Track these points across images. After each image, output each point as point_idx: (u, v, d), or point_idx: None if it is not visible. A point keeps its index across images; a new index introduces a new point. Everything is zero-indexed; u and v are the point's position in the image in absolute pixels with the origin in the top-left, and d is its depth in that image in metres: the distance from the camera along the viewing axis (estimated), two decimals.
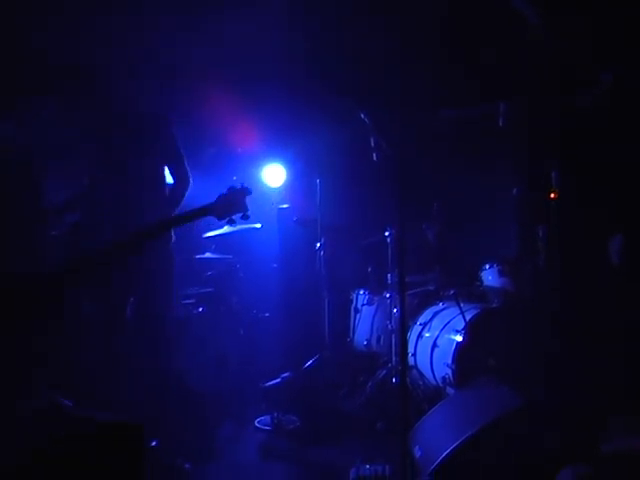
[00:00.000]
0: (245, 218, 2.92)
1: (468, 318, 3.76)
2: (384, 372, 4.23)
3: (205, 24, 4.35)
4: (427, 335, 4.13)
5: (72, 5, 3.69)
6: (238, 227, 4.74)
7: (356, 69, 4.57)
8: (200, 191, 3.31)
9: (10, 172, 3.54)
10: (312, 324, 4.76)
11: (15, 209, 3.49)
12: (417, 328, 4.25)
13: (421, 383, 4.05)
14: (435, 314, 4.23)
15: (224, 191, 2.90)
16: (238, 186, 2.88)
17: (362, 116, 2.74)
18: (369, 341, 4.70)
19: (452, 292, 4.19)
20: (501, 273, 4.24)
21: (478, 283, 4.40)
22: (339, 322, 4.91)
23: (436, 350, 3.94)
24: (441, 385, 3.80)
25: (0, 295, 2.33)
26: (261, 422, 4.01)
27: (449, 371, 3.71)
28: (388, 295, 4.41)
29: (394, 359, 4.13)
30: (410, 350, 4.18)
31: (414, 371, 4.10)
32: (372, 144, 3.35)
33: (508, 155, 4.59)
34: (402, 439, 2.63)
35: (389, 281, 4.40)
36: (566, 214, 3.89)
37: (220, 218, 2.90)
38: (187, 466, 3.20)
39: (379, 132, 2.84)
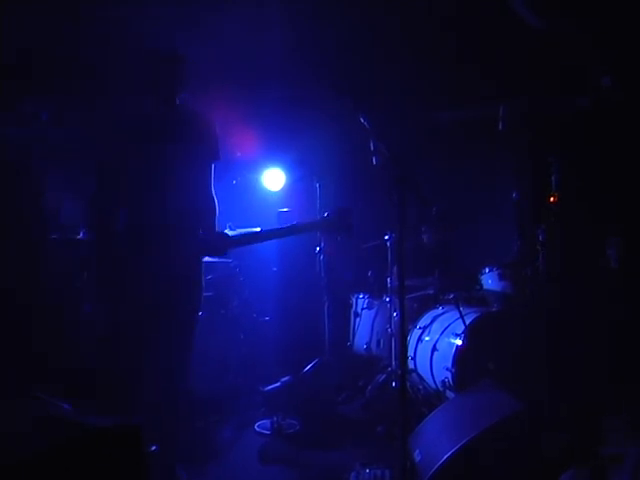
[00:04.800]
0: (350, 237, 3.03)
1: (468, 322, 3.76)
2: (384, 376, 4.23)
3: (203, 25, 4.35)
4: (427, 339, 4.13)
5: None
6: (237, 231, 4.74)
7: (355, 70, 4.58)
8: None
9: (10, 172, 3.52)
10: (312, 328, 4.75)
11: (14, 209, 3.48)
12: (417, 332, 4.25)
13: (421, 387, 4.05)
14: (435, 318, 4.22)
15: (330, 212, 3.00)
16: (341, 207, 2.99)
17: (361, 120, 2.73)
18: (369, 345, 4.70)
19: (452, 296, 4.19)
20: (501, 277, 4.24)
21: (478, 287, 4.40)
22: (339, 326, 4.91)
23: (436, 354, 3.94)
24: (441, 389, 3.79)
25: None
26: (261, 426, 4.00)
27: (449, 375, 3.70)
28: (388, 299, 4.41)
29: (394, 363, 4.13)
30: (410, 354, 4.18)
31: (414, 375, 4.10)
32: (371, 148, 3.35)
33: (508, 159, 4.59)
34: (402, 443, 2.63)
35: (389, 285, 4.40)
36: (566, 217, 3.89)
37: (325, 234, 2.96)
38: (185, 476, 3.14)
39: (378, 136, 2.82)
